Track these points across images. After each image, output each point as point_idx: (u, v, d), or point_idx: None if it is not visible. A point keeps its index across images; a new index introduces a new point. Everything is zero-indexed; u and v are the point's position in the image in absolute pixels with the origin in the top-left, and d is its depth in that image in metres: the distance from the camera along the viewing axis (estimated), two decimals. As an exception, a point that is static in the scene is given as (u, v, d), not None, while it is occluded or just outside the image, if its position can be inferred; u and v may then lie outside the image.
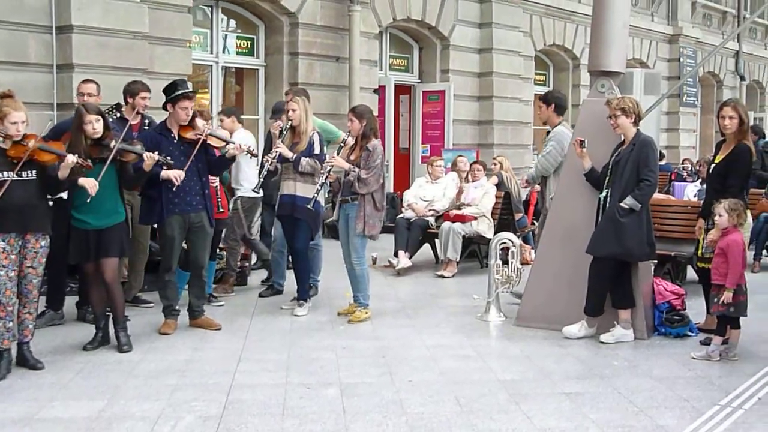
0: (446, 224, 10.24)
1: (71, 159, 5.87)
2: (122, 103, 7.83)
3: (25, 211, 5.77)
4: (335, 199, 7.75)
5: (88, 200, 6.16)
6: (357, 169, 7.46)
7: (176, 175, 6.76)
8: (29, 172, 5.79)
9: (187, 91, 7.03)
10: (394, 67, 16.52)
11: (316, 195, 7.52)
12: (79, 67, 10.11)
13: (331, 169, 7.51)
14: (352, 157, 7.62)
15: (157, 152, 6.60)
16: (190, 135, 7.01)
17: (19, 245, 5.82)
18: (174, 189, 6.87)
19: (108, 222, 6.43)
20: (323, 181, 7.53)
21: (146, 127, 7.62)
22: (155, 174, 6.77)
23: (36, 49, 10.08)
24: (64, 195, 6.64)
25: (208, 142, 7.12)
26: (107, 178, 6.32)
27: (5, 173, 5.70)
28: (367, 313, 7.70)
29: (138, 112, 7.66)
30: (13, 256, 5.77)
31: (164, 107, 7.07)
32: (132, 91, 7.79)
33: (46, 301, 7.23)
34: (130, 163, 6.54)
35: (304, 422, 4.96)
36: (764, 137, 15.00)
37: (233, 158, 7.30)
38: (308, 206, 7.49)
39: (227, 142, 7.32)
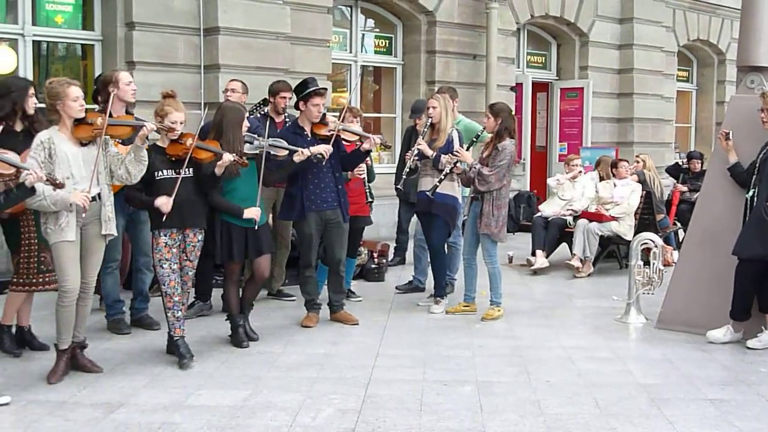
0: (582, 221, 10.08)
1: (228, 157, 6.09)
2: (268, 99, 8.10)
3: (184, 207, 6.03)
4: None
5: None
6: (478, 165, 7.42)
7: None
8: (188, 169, 6.05)
9: (318, 88, 7.08)
10: (532, 64, 16.35)
11: (437, 183, 7.48)
12: (225, 67, 10.47)
13: (457, 161, 7.48)
14: (484, 154, 7.59)
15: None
16: (323, 132, 7.07)
17: (180, 239, 6.10)
18: (311, 187, 7.01)
19: (263, 219, 6.64)
20: (447, 171, 7.49)
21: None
22: (295, 171, 6.92)
23: (184, 50, 10.49)
24: None
25: (342, 137, 7.21)
26: (257, 176, 6.53)
27: (165, 171, 6.01)
28: (499, 311, 7.67)
29: (279, 112, 7.95)
30: (174, 250, 6.05)
31: (296, 106, 7.18)
32: (272, 90, 8.08)
33: (195, 293, 7.47)
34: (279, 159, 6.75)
35: (441, 419, 4.99)
36: None
37: (368, 152, 7.32)
38: (427, 192, 7.49)
39: (360, 136, 7.31)
